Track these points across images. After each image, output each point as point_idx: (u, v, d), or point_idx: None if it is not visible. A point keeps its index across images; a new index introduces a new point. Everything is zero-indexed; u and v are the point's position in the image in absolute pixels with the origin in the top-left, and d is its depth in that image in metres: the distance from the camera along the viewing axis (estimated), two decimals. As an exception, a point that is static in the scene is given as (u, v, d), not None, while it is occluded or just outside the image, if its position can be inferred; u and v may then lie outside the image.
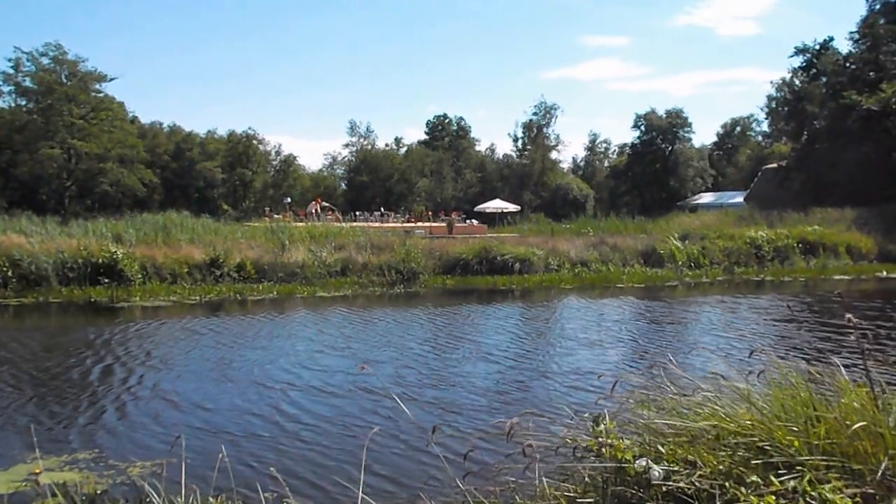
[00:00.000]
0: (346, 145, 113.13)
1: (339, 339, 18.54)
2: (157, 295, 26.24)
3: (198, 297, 26.06)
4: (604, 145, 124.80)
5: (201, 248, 30.56)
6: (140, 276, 27.91)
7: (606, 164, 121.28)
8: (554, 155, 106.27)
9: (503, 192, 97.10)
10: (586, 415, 5.94)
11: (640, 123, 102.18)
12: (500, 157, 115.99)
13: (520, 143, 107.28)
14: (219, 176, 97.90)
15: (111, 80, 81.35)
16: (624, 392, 6.48)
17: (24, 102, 78.44)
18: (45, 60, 77.13)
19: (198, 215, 47.70)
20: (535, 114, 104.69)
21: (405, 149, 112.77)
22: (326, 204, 60.00)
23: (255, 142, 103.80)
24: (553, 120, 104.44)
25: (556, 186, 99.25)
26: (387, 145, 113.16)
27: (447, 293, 28.78)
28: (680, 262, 35.79)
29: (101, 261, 27.58)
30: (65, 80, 77.68)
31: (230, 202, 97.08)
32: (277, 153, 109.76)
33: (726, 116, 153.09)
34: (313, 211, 54.71)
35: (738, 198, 74.43)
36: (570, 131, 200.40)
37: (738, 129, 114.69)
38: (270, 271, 30.05)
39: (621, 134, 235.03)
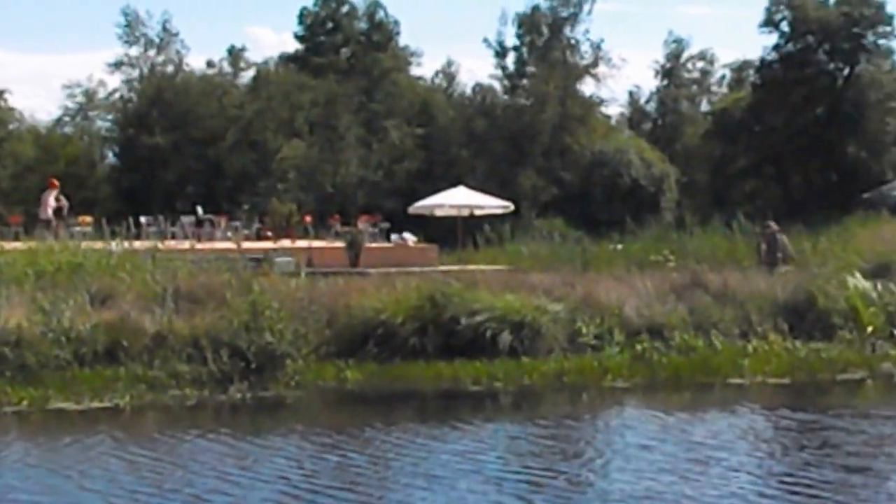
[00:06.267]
0: (117, 65, 57.42)
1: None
2: None
3: None
4: (699, 65, 64.55)
5: None
6: None
7: (705, 105, 64.49)
8: (588, 89, 55.87)
9: (473, 170, 50.50)
10: None
11: (779, 15, 54.42)
12: (468, 92, 58.37)
13: (510, 60, 55.15)
14: None
15: None
16: None
17: None
18: None
19: None
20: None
21: (251, 73, 59.62)
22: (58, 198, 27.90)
23: None
24: (586, 7, 54.52)
25: (592, 157, 51.63)
26: (210, 65, 59.22)
27: (346, 401, 15.44)
28: (870, 329, 18.66)
29: None
30: None
31: None
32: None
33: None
34: (47, 209, 26.66)
35: None
36: (625, 35, 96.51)
37: None
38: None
39: (737, 41, 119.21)
